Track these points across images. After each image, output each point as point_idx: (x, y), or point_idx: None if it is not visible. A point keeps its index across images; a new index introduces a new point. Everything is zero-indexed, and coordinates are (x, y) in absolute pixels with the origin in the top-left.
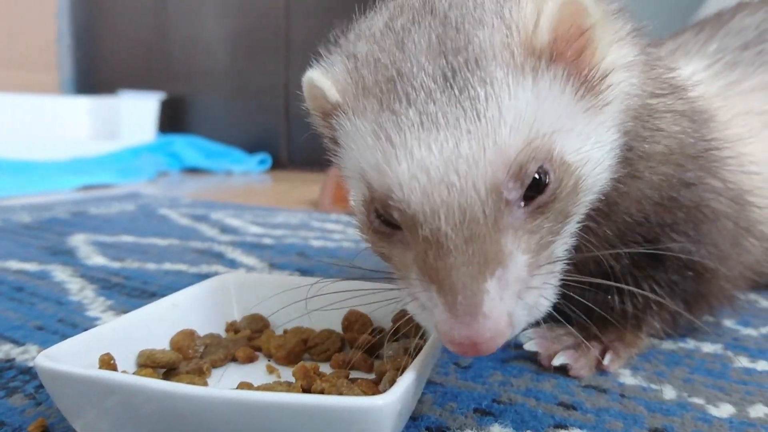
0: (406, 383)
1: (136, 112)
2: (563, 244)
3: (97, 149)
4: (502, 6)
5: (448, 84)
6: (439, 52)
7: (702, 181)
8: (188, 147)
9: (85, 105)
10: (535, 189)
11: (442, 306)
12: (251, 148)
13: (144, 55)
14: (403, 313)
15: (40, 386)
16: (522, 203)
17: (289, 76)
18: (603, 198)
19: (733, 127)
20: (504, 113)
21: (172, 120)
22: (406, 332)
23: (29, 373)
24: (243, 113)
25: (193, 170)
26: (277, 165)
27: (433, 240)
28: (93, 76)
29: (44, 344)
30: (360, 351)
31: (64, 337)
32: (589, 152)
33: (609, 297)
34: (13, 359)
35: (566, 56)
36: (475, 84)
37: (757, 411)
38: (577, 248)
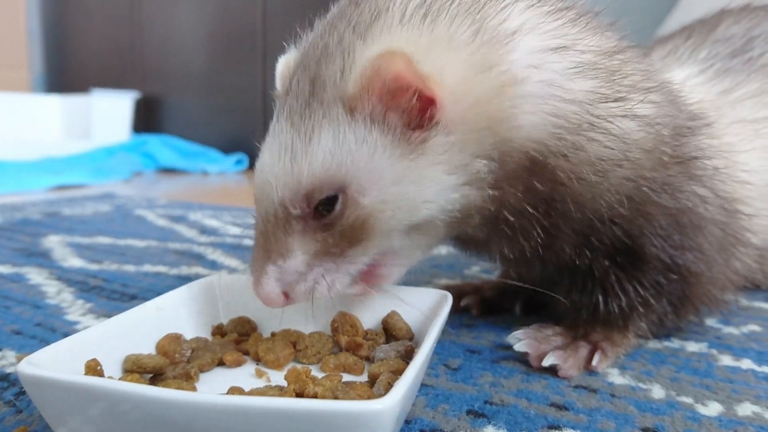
0: (404, 386)
1: (110, 112)
2: (368, 255)
3: (69, 149)
4: (351, 44)
5: (303, 106)
6: (310, 76)
7: (685, 189)
8: (163, 147)
9: (56, 104)
10: (327, 209)
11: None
12: (227, 149)
13: (117, 54)
14: (392, 314)
15: (20, 393)
16: (312, 217)
17: (266, 76)
18: (531, 201)
19: (726, 135)
20: (310, 146)
21: (147, 119)
22: (396, 334)
23: (7, 379)
24: (219, 113)
25: (169, 170)
26: (254, 165)
27: (254, 222)
28: (65, 74)
29: (22, 349)
30: (351, 353)
31: (43, 341)
32: (394, 193)
33: (594, 298)
34: None
35: (379, 105)
36: (306, 113)
37: (744, 409)
38: (533, 245)
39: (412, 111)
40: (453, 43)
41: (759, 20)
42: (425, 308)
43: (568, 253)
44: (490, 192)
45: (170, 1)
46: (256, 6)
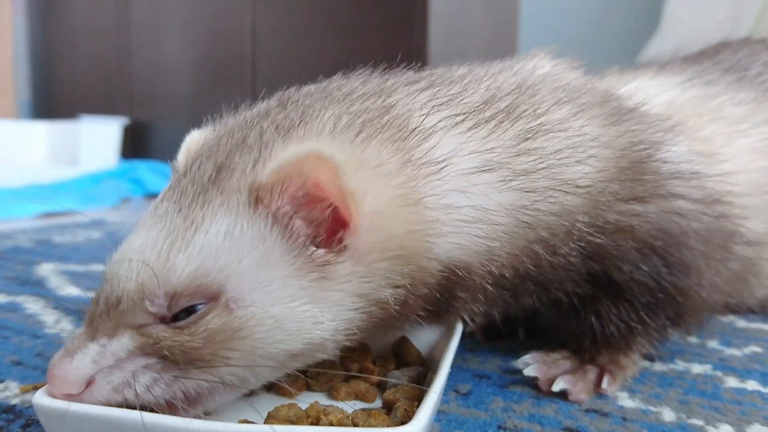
0: (428, 412)
1: (98, 138)
2: (204, 378)
3: (56, 175)
4: (271, 139)
5: (197, 192)
6: (216, 162)
7: (649, 219)
8: (152, 173)
9: (43, 130)
10: (187, 313)
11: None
12: None
13: (105, 79)
14: (403, 340)
15: (27, 425)
16: (164, 320)
17: (255, 101)
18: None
19: (704, 130)
20: (195, 236)
21: (135, 145)
22: (407, 359)
23: (13, 411)
24: None
25: (157, 196)
26: None
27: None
28: (51, 100)
29: (24, 380)
30: (364, 380)
31: (45, 372)
32: (279, 310)
33: (588, 325)
34: None
35: (288, 205)
36: (198, 200)
37: (755, 431)
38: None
39: (322, 225)
40: (381, 168)
41: (758, 51)
42: (435, 334)
43: (533, 303)
44: (397, 308)
45: (159, 26)
46: (245, 31)
